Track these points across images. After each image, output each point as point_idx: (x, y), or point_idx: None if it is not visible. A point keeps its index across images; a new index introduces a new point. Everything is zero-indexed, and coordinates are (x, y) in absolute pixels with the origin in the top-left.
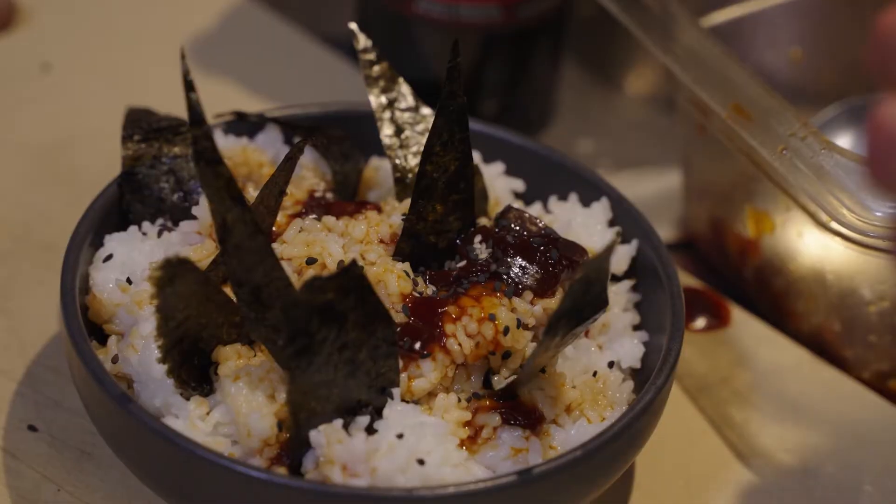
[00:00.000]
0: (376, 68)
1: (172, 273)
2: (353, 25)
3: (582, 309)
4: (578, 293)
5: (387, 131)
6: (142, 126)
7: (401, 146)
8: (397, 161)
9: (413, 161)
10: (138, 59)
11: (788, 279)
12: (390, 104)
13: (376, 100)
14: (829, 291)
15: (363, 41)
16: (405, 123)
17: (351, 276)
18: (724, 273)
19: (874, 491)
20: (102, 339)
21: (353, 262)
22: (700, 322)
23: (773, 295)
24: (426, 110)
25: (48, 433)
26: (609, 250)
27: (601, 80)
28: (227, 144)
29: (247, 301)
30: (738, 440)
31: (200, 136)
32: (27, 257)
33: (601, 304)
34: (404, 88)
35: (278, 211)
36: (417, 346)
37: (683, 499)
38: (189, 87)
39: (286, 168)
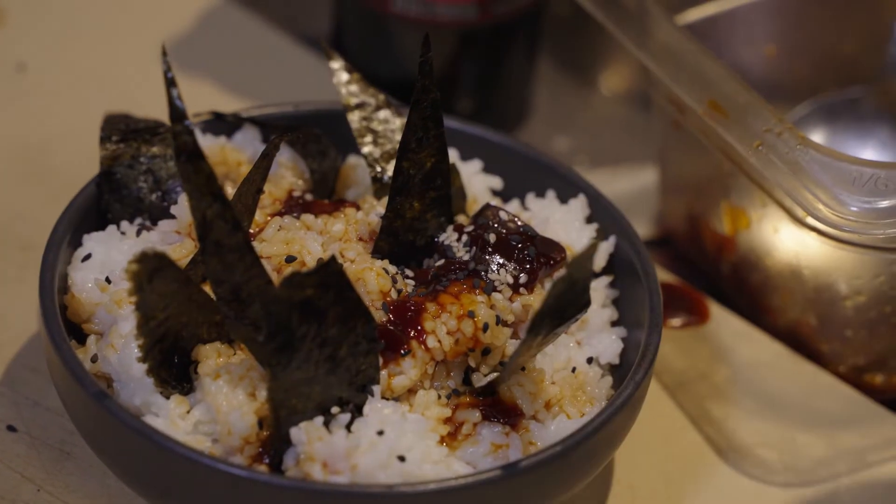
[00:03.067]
0: (352, 87)
1: (150, 268)
2: (324, 42)
3: (565, 308)
4: (561, 293)
5: (365, 139)
6: (119, 127)
7: (376, 145)
8: (374, 159)
9: (389, 159)
10: (114, 59)
11: (765, 275)
12: (366, 117)
13: (352, 115)
14: (806, 286)
15: (336, 62)
16: (381, 127)
17: (330, 272)
18: (701, 269)
19: (851, 484)
20: (81, 338)
21: (332, 257)
22: (678, 318)
23: (750, 290)
24: (401, 111)
25: (27, 433)
26: (592, 249)
27: (577, 78)
28: (205, 144)
29: (226, 299)
30: (716, 435)
31: (181, 131)
32: (5, 257)
33: (584, 303)
34: (380, 97)
35: (256, 209)
36: (397, 343)
37: (662, 493)
38: (170, 83)
39: (262, 165)
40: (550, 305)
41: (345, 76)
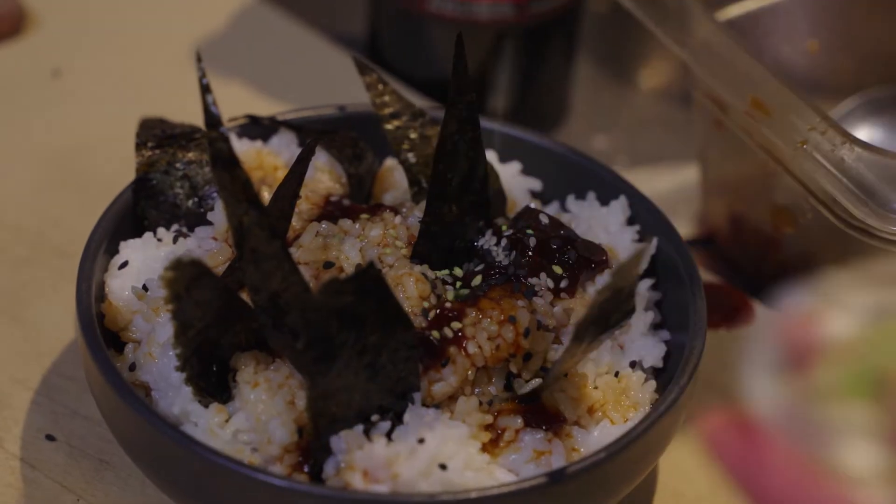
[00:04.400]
0: (386, 98)
1: (186, 276)
2: (357, 57)
3: (609, 316)
4: (606, 301)
5: (402, 146)
6: (155, 133)
7: (413, 151)
8: (411, 164)
9: (427, 164)
10: (149, 64)
11: (812, 275)
12: (401, 126)
13: (388, 125)
14: None
15: (368, 76)
16: (416, 134)
17: (369, 278)
18: (746, 269)
19: None
20: (119, 346)
21: (371, 263)
22: (722, 319)
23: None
24: (437, 117)
25: (66, 442)
26: (637, 257)
27: (616, 76)
28: (240, 148)
29: (264, 307)
30: None
31: (217, 138)
32: (41, 265)
33: (629, 310)
34: (415, 108)
35: (293, 214)
36: (437, 349)
37: (708, 499)
38: (205, 89)
39: (298, 170)
40: (595, 313)
41: (377, 89)
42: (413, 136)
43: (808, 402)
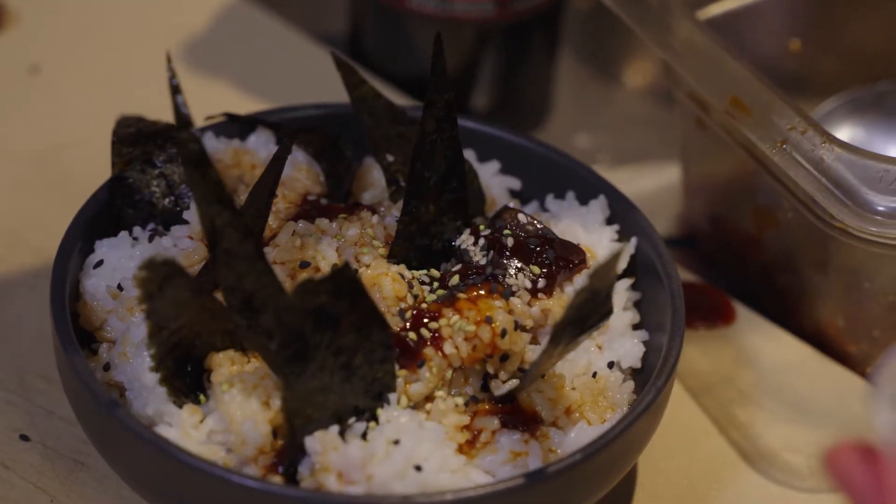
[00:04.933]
0: (364, 95)
1: (160, 276)
2: (335, 53)
3: (587, 317)
4: (583, 303)
5: (380, 145)
6: (131, 131)
7: (391, 150)
8: (389, 163)
9: (405, 163)
10: (128, 61)
11: (791, 275)
12: (379, 125)
13: (366, 122)
14: (833, 287)
15: (347, 70)
16: (394, 131)
17: (344, 279)
18: (727, 269)
19: None
20: (96, 346)
21: (346, 263)
22: (703, 319)
23: (777, 291)
24: (416, 115)
25: (41, 443)
26: (614, 259)
27: (599, 74)
28: (218, 147)
29: (238, 307)
30: (741, 440)
31: (188, 138)
32: (18, 264)
33: (606, 311)
34: (394, 106)
35: (269, 213)
36: (413, 350)
37: (687, 500)
38: (175, 90)
39: (273, 169)
40: (572, 315)
41: (356, 85)
42: (391, 134)
43: None
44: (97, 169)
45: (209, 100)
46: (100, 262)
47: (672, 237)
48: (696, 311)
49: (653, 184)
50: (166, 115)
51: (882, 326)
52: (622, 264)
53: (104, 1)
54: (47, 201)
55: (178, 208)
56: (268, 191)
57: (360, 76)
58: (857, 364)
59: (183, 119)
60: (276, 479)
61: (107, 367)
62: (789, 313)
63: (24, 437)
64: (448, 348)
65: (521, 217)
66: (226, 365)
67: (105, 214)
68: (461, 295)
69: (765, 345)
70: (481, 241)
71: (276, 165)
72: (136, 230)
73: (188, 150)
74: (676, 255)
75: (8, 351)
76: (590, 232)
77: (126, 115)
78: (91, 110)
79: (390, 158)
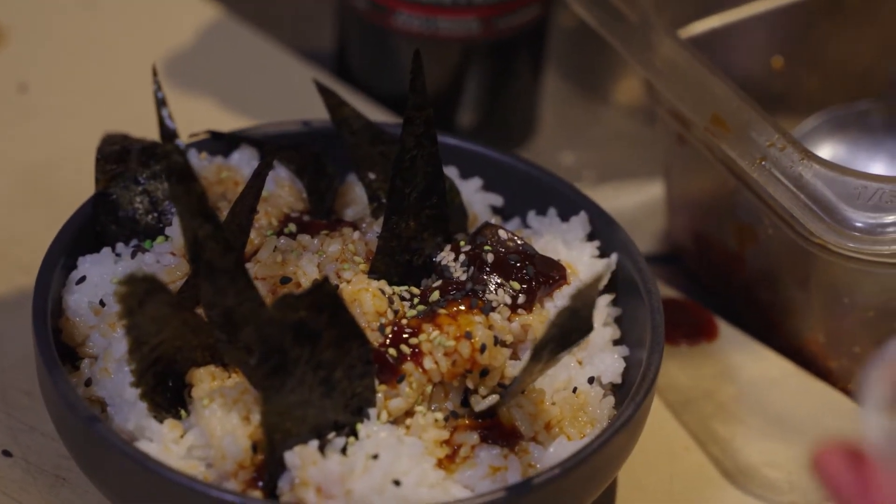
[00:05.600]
0: (347, 117)
1: (140, 291)
2: (317, 80)
3: (568, 335)
4: (565, 321)
5: (362, 163)
6: (116, 148)
7: (373, 168)
8: (371, 181)
9: (386, 180)
10: (117, 79)
11: (773, 291)
12: (359, 143)
13: (349, 141)
14: (813, 303)
15: (328, 93)
16: (376, 150)
17: (323, 294)
18: (710, 285)
19: None
20: (76, 362)
21: (326, 278)
22: (686, 335)
23: (759, 307)
24: (397, 135)
25: (23, 458)
26: (597, 281)
27: (585, 92)
28: (201, 163)
29: (218, 322)
30: (722, 455)
31: (172, 151)
32: (4, 280)
33: (586, 329)
34: (374, 127)
35: (250, 228)
36: (393, 365)
37: None
38: (160, 103)
39: (254, 185)
40: (553, 334)
41: (338, 109)
42: (373, 153)
43: None
44: (86, 186)
45: (195, 116)
46: (82, 279)
47: (655, 254)
48: (678, 327)
49: (637, 201)
50: (153, 132)
51: (862, 342)
52: (602, 284)
53: (92, 20)
54: (34, 218)
55: (162, 225)
56: (249, 206)
57: (341, 98)
58: (838, 380)
59: (168, 132)
60: (256, 493)
61: (88, 383)
62: (771, 329)
63: (7, 453)
64: (428, 363)
65: (501, 233)
66: (206, 380)
67: (88, 231)
68: (441, 310)
69: (746, 361)
70: (462, 257)
71: (256, 181)
72: (119, 246)
73: (172, 163)
74: (660, 271)
75: None
76: (570, 248)
77: (111, 132)
78: (79, 128)
79: (372, 176)
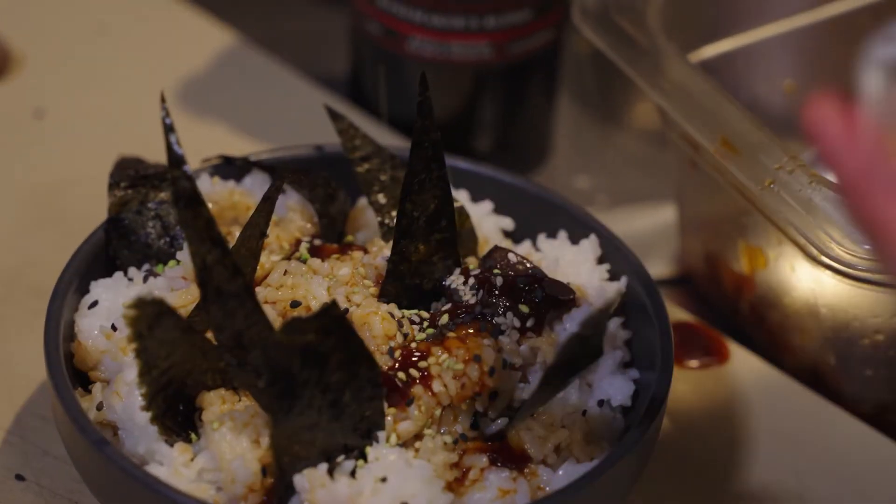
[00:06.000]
0: (357, 142)
1: (149, 315)
2: (328, 106)
3: (577, 361)
4: (575, 348)
5: (373, 188)
6: (129, 173)
7: (383, 192)
8: (380, 205)
9: (396, 205)
10: (131, 104)
11: (783, 314)
12: (371, 169)
13: (359, 168)
14: (823, 325)
15: (339, 123)
16: (386, 176)
17: (331, 317)
18: (721, 308)
19: None
20: (89, 386)
21: (333, 302)
22: (697, 358)
23: (769, 330)
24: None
25: (36, 482)
26: (608, 307)
27: (599, 116)
28: (213, 188)
29: (228, 345)
30: (733, 478)
31: (180, 176)
32: (17, 304)
33: (596, 354)
34: (385, 152)
35: (260, 253)
36: (402, 388)
37: None
38: (168, 129)
39: (264, 209)
40: (563, 362)
41: (349, 134)
42: (383, 178)
43: None
44: (97, 210)
45: (208, 141)
46: (95, 303)
47: (668, 277)
48: (690, 350)
49: (649, 224)
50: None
51: (874, 365)
52: (613, 307)
53: (106, 46)
54: (48, 242)
55: (174, 249)
56: (259, 230)
57: (351, 123)
58: (850, 402)
59: (176, 157)
60: None
61: (100, 407)
62: (782, 352)
63: (20, 477)
64: (437, 386)
65: (510, 256)
66: (217, 403)
67: (101, 255)
68: (450, 334)
69: (758, 383)
70: (471, 281)
71: (266, 205)
72: (132, 271)
73: (180, 188)
74: (671, 293)
75: (4, 390)
76: (580, 271)
77: (125, 156)
78: (94, 153)
79: (382, 200)
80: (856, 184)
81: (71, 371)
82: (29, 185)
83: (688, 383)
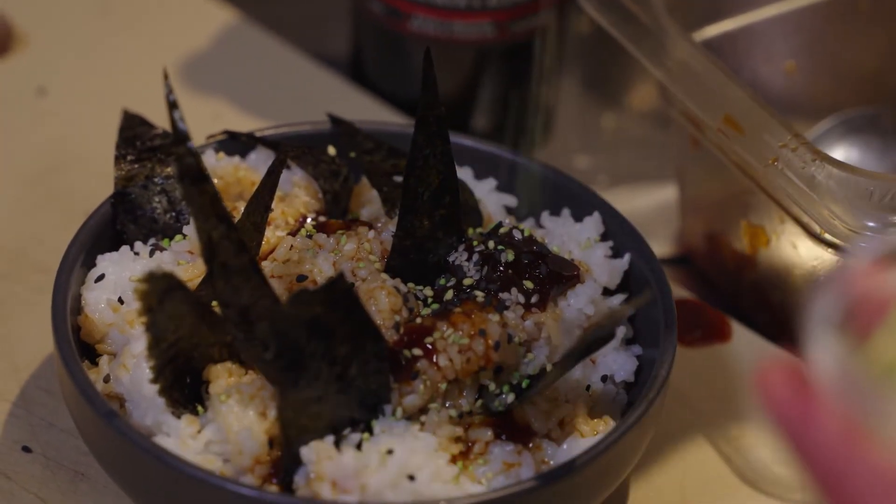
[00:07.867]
0: (360, 141)
1: (159, 288)
2: (330, 113)
3: (590, 346)
4: (588, 342)
5: (378, 175)
6: (135, 145)
7: (387, 183)
8: (385, 191)
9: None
10: (134, 82)
11: (785, 292)
12: (373, 161)
13: (364, 161)
14: None
15: (341, 124)
16: (389, 163)
17: (338, 290)
18: (722, 288)
19: None
20: (96, 359)
21: (341, 275)
22: (698, 337)
23: (771, 308)
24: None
25: (42, 454)
26: (624, 311)
27: (601, 95)
28: (218, 164)
29: (234, 319)
30: (734, 454)
31: (184, 153)
32: (21, 280)
33: (608, 339)
34: (385, 146)
35: (265, 228)
36: (407, 362)
37: None
38: (172, 105)
39: (268, 183)
40: (578, 351)
41: (352, 136)
42: (387, 166)
43: (867, 364)
44: (103, 187)
45: (211, 119)
46: (101, 277)
47: (669, 255)
48: (691, 329)
49: (650, 203)
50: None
51: None
52: (615, 279)
53: (109, 25)
54: (51, 219)
55: (180, 224)
56: (264, 204)
57: (355, 127)
58: None
59: (180, 134)
60: (272, 488)
61: (107, 379)
62: (783, 330)
63: (27, 449)
64: (442, 361)
65: (514, 233)
66: (223, 376)
67: (107, 230)
68: (455, 309)
69: (758, 361)
70: (475, 257)
71: (270, 179)
72: (138, 245)
73: (185, 165)
74: (673, 273)
75: (10, 365)
76: (584, 248)
77: (130, 112)
78: (96, 131)
79: (386, 189)
80: (833, 482)
81: (78, 344)
82: (31, 164)
83: (690, 362)
